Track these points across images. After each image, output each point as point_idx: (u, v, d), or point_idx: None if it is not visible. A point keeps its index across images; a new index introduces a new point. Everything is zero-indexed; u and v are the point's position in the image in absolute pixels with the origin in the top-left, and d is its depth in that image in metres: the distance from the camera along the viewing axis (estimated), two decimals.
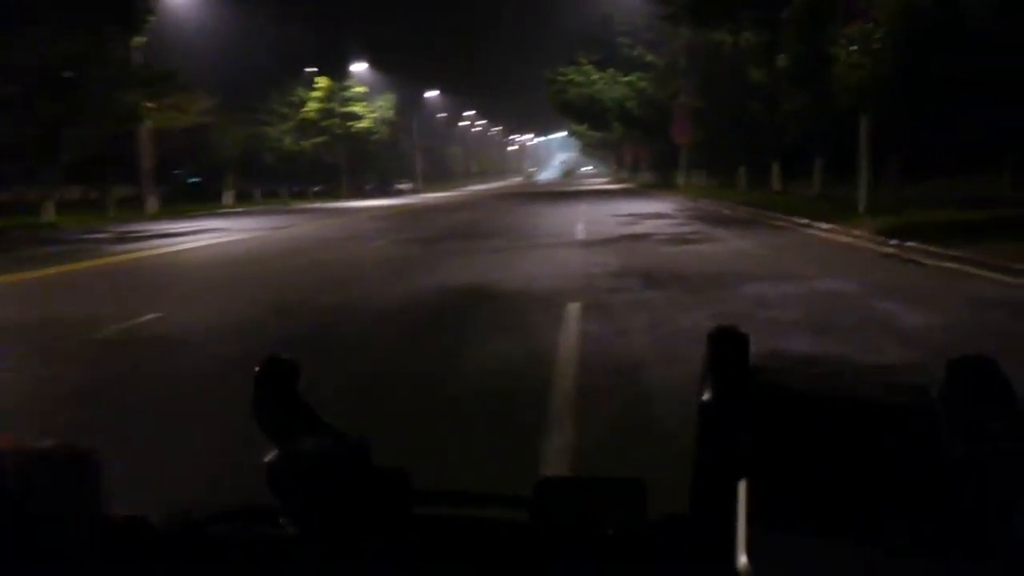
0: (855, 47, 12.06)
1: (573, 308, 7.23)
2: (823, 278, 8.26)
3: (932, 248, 9.92)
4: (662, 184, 46.63)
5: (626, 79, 43.95)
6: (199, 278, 11.86)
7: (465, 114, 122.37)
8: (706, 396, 0.54)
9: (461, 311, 7.58)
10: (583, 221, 19.79)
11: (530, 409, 4.23)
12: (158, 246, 17.57)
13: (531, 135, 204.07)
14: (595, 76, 44.24)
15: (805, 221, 15.34)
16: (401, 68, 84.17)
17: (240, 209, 43.55)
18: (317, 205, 47.43)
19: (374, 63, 73.89)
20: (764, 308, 6.79)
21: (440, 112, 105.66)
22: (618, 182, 68.82)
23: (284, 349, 0.74)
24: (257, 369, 0.65)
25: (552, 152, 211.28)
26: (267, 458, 0.63)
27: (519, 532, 0.66)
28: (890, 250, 10.65)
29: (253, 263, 13.45)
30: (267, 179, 62.19)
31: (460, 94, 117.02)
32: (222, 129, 52.59)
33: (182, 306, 8.70)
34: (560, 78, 45.73)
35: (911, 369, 4.63)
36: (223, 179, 53.10)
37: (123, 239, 20.34)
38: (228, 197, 51.96)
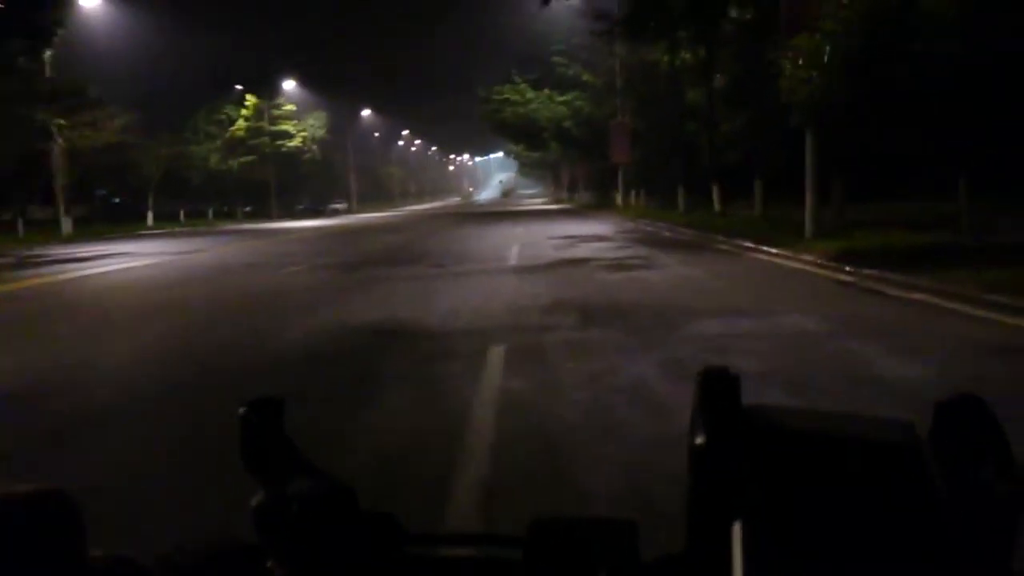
0: (801, 61, 11.22)
1: (496, 354, 6.02)
2: (783, 313, 7.22)
3: (893, 276, 9.04)
4: (601, 204, 46.08)
5: (563, 98, 43.29)
6: (65, 314, 10.27)
7: (403, 133, 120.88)
8: (699, 439, 0.54)
9: (360, 361, 6.28)
10: (518, 244, 18.67)
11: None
12: (51, 273, 15.79)
13: (468, 155, 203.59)
14: (530, 95, 43.41)
15: (750, 245, 14.47)
16: (334, 87, 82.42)
17: (161, 231, 41.50)
18: (244, 226, 45.42)
19: (305, 81, 71.95)
20: (722, 354, 5.68)
21: (375, 131, 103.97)
22: (557, 202, 68.37)
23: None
24: (242, 409, 0.64)
25: (491, 172, 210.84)
26: (254, 499, 0.62)
27: (512, 572, 0.67)
28: (847, 278, 9.74)
29: (138, 294, 11.89)
30: (194, 199, 59.75)
31: (395, 113, 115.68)
32: (145, 148, 50.42)
33: (21, 349, 7.20)
34: (495, 97, 44.71)
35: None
36: (145, 199, 50.82)
37: (24, 264, 18.54)
38: (150, 218, 49.55)
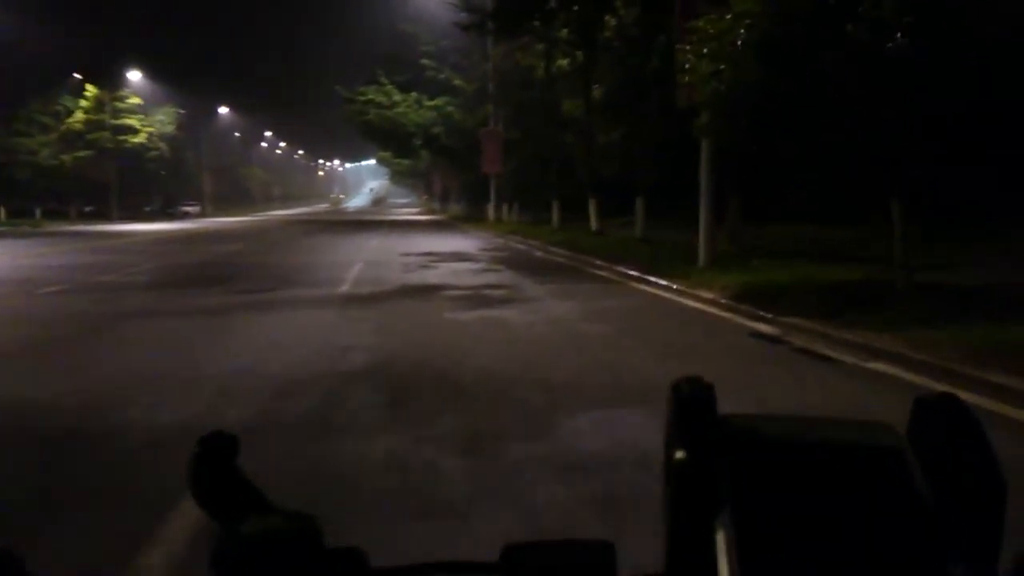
0: (706, 50, 8.94)
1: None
2: None
3: (829, 330, 6.78)
4: (472, 217, 43.61)
5: (432, 103, 40.45)
6: None
7: (266, 135, 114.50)
8: (679, 453, 0.53)
9: None
10: (364, 261, 15.72)
11: None
12: None
13: (338, 161, 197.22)
14: (397, 97, 40.26)
15: (635, 273, 12.11)
16: (188, 81, 76.07)
17: None
18: (73, 228, 39.96)
19: (154, 74, 65.70)
20: (618, 509, 3.05)
21: (235, 131, 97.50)
22: (428, 213, 65.68)
23: None
24: (196, 447, 0.62)
25: (364, 179, 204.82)
26: (210, 540, 0.59)
27: None
28: (767, 329, 7.43)
29: None
30: (28, 196, 52.79)
31: (258, 114, 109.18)
32: None
33: None
34: (359, 98, 41.17)
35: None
36: None
37: None
38: None
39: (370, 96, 40.67)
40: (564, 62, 28.67)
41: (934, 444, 0.52)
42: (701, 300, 9.33)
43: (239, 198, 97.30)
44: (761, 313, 7.91)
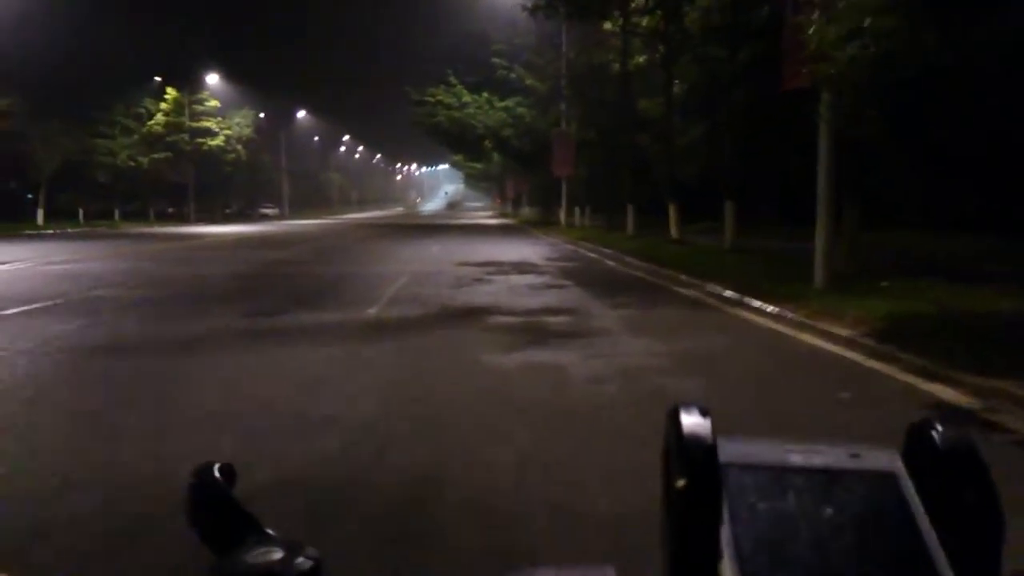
0: (842, 3, 6.58)
1: None
2: None
3: None
4: (544, 221, 41.50)
5: (503, 104, 38.44)
6: None
7: (343, 139, 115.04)
8: (679, 482, 0.51)
9: None
10: (413, 273, 13.76)
11: None
12: None
13: (415, 166, 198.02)
14: (466, 98, 38.35)
15: (732, 295, 9.72)
16: (266, 85, 76.46)
17: (48, 231, 36.10)
18: (149, 230, 39.70)
19: (232, 76, 65.84)
20: None
21: (314, 135, 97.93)
22: (500, 217, 64.12)
23: None
24: (192, 476, 0.61)
25: (441, 183, 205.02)
26: (209, 570, 0.58)
27: None
28: (953, 395, 5.01)
29: None
30: (110, 198, 53.41)
31: (336, 118, 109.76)
32: (44, 138, 44.66)
33: None
34: (428, 99, 39.34)
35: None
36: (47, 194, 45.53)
37: None
38: (40, 216, 43.77)
39: (439, 97, 38.86)
40: (641, 59, 26.31)
41: (931, 467, 0.51)
42: (832, 339, 6.88)
43: (318, 201, 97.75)
44: (929, 365, 5.49)
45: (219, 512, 0.60)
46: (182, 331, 7.76)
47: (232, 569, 0.57)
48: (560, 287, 11.81)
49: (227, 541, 0.58)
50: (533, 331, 7.66)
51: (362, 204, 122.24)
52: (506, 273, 13.95)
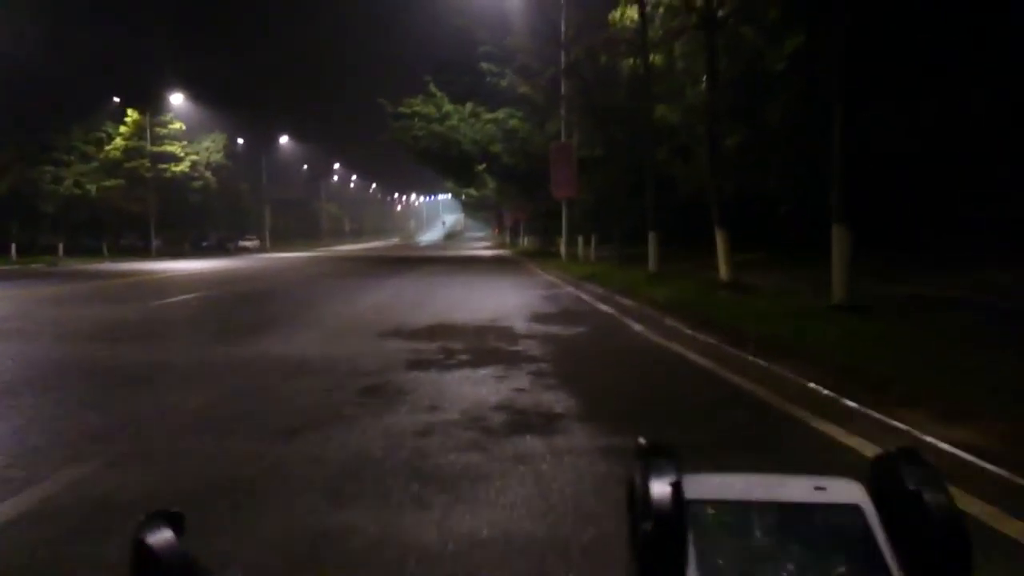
0: None
1: None
2: None
3: None
4: (543, 252, 35.45)
5: (491, 116, 32.39)
6: None
7: (334, 166, 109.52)
8: (646, 525, 0.51)
9: None
10: (277, 356, 7.56)
11: None
12: None
13: (414, 195, 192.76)
14: (448, 107, 32.22)
15: (983, 462, 3.51)
16: (247, 109, 70.90)
17: None
18: (96, 267, 33.22)
19: (204, 100, 60.03)
20: None
21: (302, 163, 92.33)
22: (497, 247, 58.41)
23: None
24: (136, 530, 0.56)
25: (440, 213, 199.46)
26: None
27: None
28: None
29: None
30: (57, 231, 47.40)
31: (325, 145, 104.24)
32: None
33: None
34: (403, 111, 33.17)
35: None
36: None
37: None
38: None
39: (416, 107, 32.76)
40: (658, 57, 20.43)
41: (897, 500, 0.51)
42: None
43: (308, 231, 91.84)
44: None
45: (167, 565, 0.54)
46: None
47: None
48: (543, 427, 5.53)
49: None
50: None
51: (357, 235, 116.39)
52: (453, 355, 7.72)
